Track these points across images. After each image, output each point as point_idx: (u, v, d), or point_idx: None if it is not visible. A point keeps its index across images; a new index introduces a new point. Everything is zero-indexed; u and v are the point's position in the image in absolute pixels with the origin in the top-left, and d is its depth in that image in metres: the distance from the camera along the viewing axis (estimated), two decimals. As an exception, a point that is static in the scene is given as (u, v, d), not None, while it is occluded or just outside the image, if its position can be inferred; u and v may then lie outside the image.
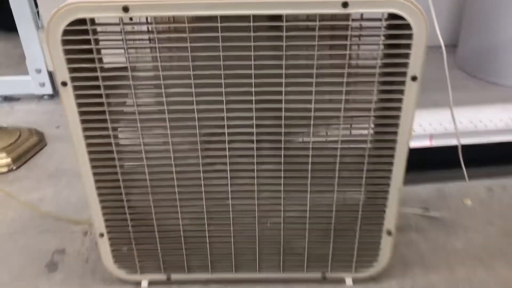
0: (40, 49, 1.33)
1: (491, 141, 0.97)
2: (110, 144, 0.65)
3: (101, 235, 0.73)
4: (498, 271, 0.79)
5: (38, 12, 1.33)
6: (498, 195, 0.97)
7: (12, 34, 1.88)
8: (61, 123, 1.29)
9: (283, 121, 0.63)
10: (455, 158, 0.84)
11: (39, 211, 0.95)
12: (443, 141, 0.94)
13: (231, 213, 0.71)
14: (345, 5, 0.55)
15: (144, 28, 0.59)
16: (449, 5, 1.31)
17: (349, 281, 0.78)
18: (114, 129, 0.65)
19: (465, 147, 0.95)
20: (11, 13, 1.77)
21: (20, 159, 1.11)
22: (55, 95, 1.42)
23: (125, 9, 0.55)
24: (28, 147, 1.14)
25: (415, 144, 0.95)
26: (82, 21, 0.56)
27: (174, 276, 0.78)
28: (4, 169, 1.08)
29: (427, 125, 0.96)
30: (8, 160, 1.09)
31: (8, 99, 1.41)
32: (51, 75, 1.38)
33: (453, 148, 0.84)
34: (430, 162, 1.03)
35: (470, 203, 0.95)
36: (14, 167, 1.09)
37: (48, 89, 1.39)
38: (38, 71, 1.36)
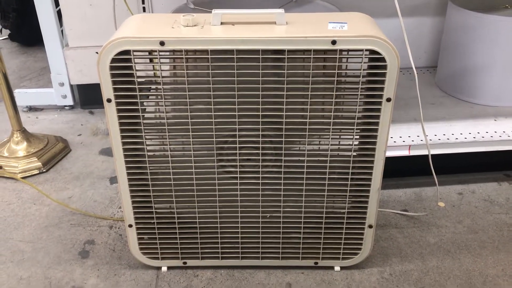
0: (64, 65, 1.47)
1: (462, 151, 1.12)
2: (142, 149, 0.80)
3: (130, 226, 0.87)
4: (462, 261, 0.94)
5: (62, 31, 1.47)
6: (467, 198, 1.12)
7: (32, 49, 2.04)
8: (83, 131, 1.43)
9: (283, 132, 0.78)
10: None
11: (70, 208, 1.09)
12: (420, 151, 1.09)
13: (239, 208, 0.86)
14: (334, 42, 0.70)
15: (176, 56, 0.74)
16: (432, 28, 1.46)
17: (337, 268, 0.92)
18: (146, 137, 0.79)
19: (440, 156, 1.10)
20: (31, 29, 1.93)
21: (49, 163, 1.25)
22: (75, 106, 1.56)
23: (162, 43, 0.70)
24: (55, 152, 1.29)
25: (396, 153, 1.10)
26: (126, 52, 0.71)
27: (190, 262, 0.92)
28: (36, 172, 1.22)
29: (406, 137, 1.11)
30: (39, 164, 1.23)
31: (32, 109, 1.55)
32: (72, 88, 1.53)
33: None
34: (409, 170, 1.18)
35: (443, 205, 1.10)
36: (44, 170, 1.23)
37: (69, 101, 1.53)
38: (61, 84, 1.50)
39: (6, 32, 2.12)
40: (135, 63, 0.72)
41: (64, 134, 1.41)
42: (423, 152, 1.08)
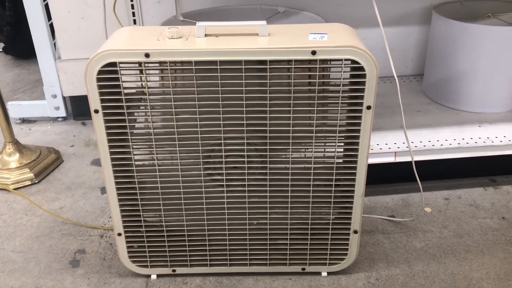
0: (56, 77, 1.49)
1: (448, 157, 1.14)
2: (130, 159, 0.81)
3: (119, 234, 0.89)
4: (447, 265, 0.95)
5: (55, 44, 1.49)
6: (453, 203, 1.13)
7: (26, 61, 2.06)
8: (75, 142, 1.45)
9: (268, 140, 0.80)
10: (417, 172, 0.99)
11: (61, 218, 1.11)
12: (406, 158, 1.11)
13: (226, 215, 0.87)
14: (313, 53, 0.72)
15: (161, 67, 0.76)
16: (418, 38, 1.49)
17: (324, 273, 0.93)
18: (133, 147, 0.81)
19: (426, 163, 1.12)
20: (26, 42, 1.94)
21: (41, 174, 1.27)
22: (67, 117, 1.58)
23: (147, 55, 0.72)
24: (48, 163, 1.30)
25: (383, 160, 1.11)
26: (113, 64, 0.73)
27: (179, 270, 0.93)
28: (28, 183, 1.24)
29: (392, 144, 1.13)
30: (31, 175, 1.25)
31: (26, 121, 1.57)
32: (65, 100, 1.55)
33: (416, 164, 0.99)
34: (397, 176, 1.19)
35: (430, 210, 1.11)
36: (36, 181, 1.25)
37: (62, 112, 1.55)
38: (54, 96, 1.52)
39: (0, 46, 2.15)
40: (121, 74, 0.74)
41: (56, 145, 1.42)
42: (409, 158, 1.10)
